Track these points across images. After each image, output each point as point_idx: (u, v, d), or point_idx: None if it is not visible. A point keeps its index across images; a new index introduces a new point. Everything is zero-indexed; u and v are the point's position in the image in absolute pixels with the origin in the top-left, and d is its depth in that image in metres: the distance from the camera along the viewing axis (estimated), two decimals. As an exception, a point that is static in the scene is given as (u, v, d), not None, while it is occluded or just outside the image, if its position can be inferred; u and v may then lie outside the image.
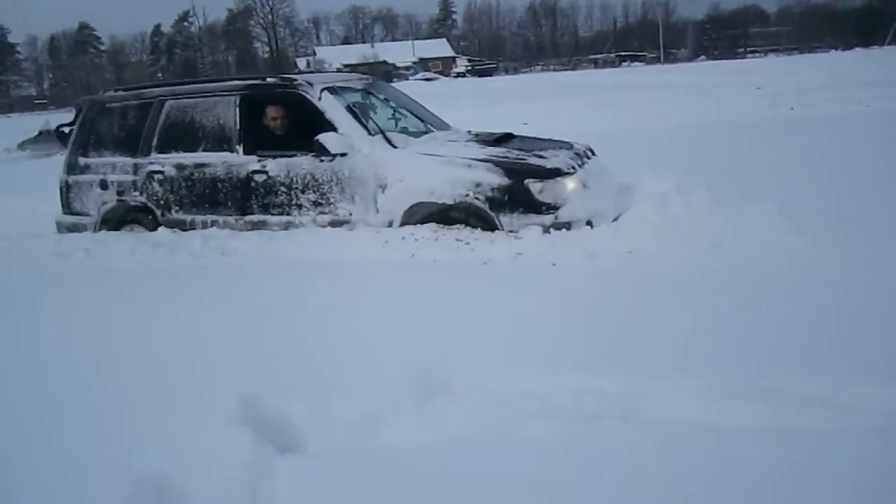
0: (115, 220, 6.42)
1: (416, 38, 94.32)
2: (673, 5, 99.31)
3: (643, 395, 2.77)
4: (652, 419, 2.63)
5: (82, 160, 6.53)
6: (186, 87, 6.44)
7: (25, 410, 3.04)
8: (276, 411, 2.82)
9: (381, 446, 2.62)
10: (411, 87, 42.43)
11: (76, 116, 6.68)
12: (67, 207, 6.66)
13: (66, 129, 6.91)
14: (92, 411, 2.95)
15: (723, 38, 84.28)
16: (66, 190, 6.63)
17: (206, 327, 3.86)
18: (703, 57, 69.77)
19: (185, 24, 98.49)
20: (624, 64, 70.39)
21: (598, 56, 79.51)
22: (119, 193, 6.34)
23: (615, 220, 5.14)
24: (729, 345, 3.19)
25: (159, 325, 3.98)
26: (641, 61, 72.78)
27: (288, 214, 5.73)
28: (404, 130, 6.25)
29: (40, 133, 18.95)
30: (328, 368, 3.20)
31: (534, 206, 5.08)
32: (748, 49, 76.17)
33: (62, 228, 6.65)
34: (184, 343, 3.66)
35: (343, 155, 5.49)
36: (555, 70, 69.15)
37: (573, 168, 5.29)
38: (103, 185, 6.39)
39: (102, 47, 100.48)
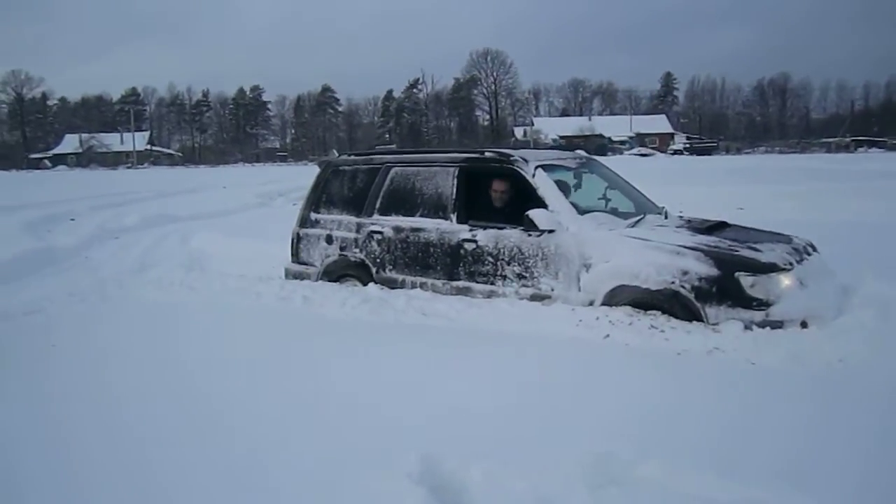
0: (336, 272, 6.92)
1: (635, 114, 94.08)
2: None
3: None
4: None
5: (313, 215, 7.16)
6: (411, 156, 6.94)
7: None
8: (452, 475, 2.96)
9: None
10: (625, 162, 42.45)
11: None
12: (296, 257, 7.31)
13: None
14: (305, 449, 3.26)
15: None
16: (296, 241, 7.29)
17: (389, 383, 4.20)
18: (957, 146, 63.24)
19: (415, 90, 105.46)
20: (860, 150, 65.37)
21: (831, 140, 74.51)
22: (342, 249, 6.87)
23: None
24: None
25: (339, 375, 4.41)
26: (881, 147, 67.27)
27: (492, 284, 5.89)
28: (614, 211, 6.28)
29: None
30: (504, 439, 3.29)
31: (744, 301, 4.85)
32: None
33: (289, 275, 7.29)
34: (371, 396, 3.99)
35: (551, 231, 5.59)
36: (781, 152, 65.76)
37: (790, 264, 5.02)
38: (329, 239, 6.97)
39: (340, 108, 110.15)
